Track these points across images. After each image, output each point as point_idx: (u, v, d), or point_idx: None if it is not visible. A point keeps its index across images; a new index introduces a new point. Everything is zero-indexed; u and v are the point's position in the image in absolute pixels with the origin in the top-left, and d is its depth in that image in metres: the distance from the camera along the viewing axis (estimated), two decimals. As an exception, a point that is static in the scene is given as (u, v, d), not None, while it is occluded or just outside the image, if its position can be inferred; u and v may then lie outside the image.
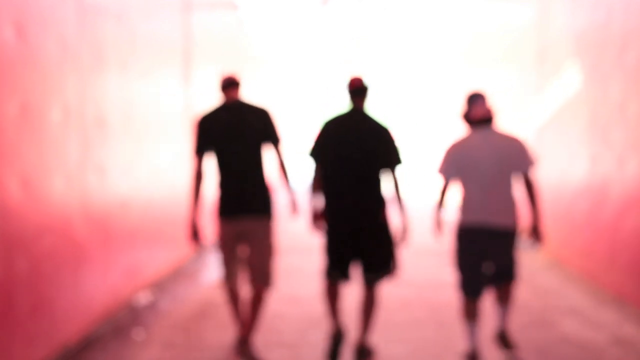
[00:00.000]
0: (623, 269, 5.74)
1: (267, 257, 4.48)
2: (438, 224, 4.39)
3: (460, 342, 4.76)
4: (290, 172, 4.56)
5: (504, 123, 10.80)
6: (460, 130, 4.22)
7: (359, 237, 4.21)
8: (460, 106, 4.37)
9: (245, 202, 4.39)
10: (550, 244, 8.10)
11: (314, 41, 16.71)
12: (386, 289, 6.51)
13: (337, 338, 4.31)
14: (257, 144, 4.38)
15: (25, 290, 3.94)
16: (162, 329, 5.24)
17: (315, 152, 4.28)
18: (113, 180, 5.46)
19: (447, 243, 9.61)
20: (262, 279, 4.48)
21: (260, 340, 4.89)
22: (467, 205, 4.22)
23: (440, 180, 4.35)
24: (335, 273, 4.29)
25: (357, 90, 4.27)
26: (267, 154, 4.48)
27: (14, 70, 3.89)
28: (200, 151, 4.39)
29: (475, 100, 4.23)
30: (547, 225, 8.24)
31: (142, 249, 6.25)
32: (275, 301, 6.12)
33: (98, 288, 5.11)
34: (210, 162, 4.49)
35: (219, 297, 6.34)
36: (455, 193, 4.42)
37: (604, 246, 6.20)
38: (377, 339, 4.88)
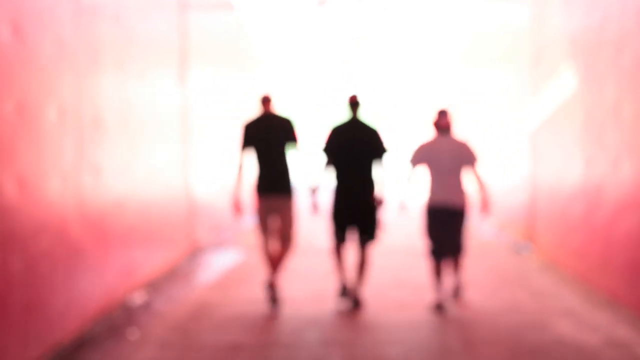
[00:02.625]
0: (617, 271, 5.76)
1: (290, 224, 5.95)
2: (403, 204, 6.02)
3: (455, 343, 4.78)
4: (304, 169, 6.24)
5: (501, 123, 10.83)
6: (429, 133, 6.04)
7: (355, 209, 5.76)
8: (432, 116, 5.89)
9: (274, 185, 5.89)
10: (545, 245, 8.11)
11: (311, 42, 16.71)
12: (383, 291, 6.52)
13: (343, 289, 5.80)
14: (282, 144, 5.92)
15: (20, 289, 3.94)
16: (156, 329, 5.24)
17: (327, 150, 5.82)
18: (109, 180, 5.46)
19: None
20: (286, 240, 5.95)
21: (256, 340, 4.90)
22: (431, 190, 5.76)
23: (409, 168, 5.85)
24: (338, 235, 5.84)
25: (354, 103, 5.83)
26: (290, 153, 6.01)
27: (10, 70, 3.89)
28: (243, 148, 5.97)
29: (442, 114, 5.82)
30: (542, 227, 8.26)
31: (137, 249, 6.24)
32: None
33: (93, 288, 5.10)
34: (250, 156, 6.01)
35: (214, 297, 6.34)
36: (422, 183, 5.88)
37: (599, 248, 6.21)
38: (374, 340, 4.89)
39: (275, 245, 5.99)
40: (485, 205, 5.94)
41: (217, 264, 8.26)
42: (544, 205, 8.17)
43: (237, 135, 6.14)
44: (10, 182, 3.84)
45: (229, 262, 8.39)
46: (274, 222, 5.97)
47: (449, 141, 5.78)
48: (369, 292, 6.50)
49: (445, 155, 5.73)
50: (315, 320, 5.43)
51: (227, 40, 11.89)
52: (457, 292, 5.96)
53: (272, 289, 5.82)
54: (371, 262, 6.11)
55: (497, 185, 11.16)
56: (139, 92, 6.38)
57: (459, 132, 14.10)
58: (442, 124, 5.79)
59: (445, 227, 5.75)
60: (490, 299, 6.14)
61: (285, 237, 5.94)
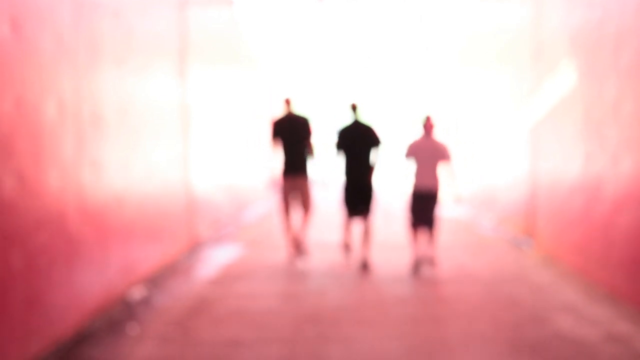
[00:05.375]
0: (617, 266, 5.77)
1: (308, 197, 7.88)
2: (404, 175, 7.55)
3: (455, 338, 4.79)
4: (316, 156, 7.87)
5: (501, 119, 10.82)
6: (416, 132, 7.18)
7: (359, 189, 7.54)
8: (421, 119, 7.46)
9: (296, 168, 7.76)
10: (545, 240, 8.12)
11: (310, 38, 16.70)
12: (382, 285, 6.53)
13: (347, 248, 7.82)
14: (302, 137, 7.74)
15: (19, 285, 3.94)
16: (156, 324, 5.25)
17: (338, 145, 7.55)
18: (108, 176, 5.46)
19: (442, 241, 9.64)
20: (307, 208, 7.89)
21: (256, 335, 4.91)
22: (415, 178, 7.31)
23: (404, 160, 7.42)
24: (349, 208, 7.61)
25: (354, 108, 7.55)
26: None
27: (10, 66, 3.89)
28: (274, 138, 7.81)
29: (427, 119, 7.39)
30: (542, 222, 8.27)
31: (136, 244, 6.25)
32: (271, 297, 6.14)
33: (93, 283, 5.11)
34: (278, 146, 7.86)
35: (214, 292, 6.35)
36: (410, 173, 7.41)
37: (598, 243, 6.22)
38: (373, 335, 4.90)
39: (292, 219, 7.90)
40: (456, 193, 7.42)
41: (217, 259, 8.26)
42: (544, 200, 8.18)
43: (267, 129, 8.35)
44: (9, 178, 3.84)
45: (229, 257, 8.39)
46: (295, 196, 7.83)
47: (430, 141, 7.34)
48: (368, 289, 6.51)
49: (427, 152, 7.29)
50: (315, 316, 5.43)
51: (226, 37, 11.87)
52: (432, 261, 7.38)
53: (296, 249, 7.83)
54: (372, 230, 7.79)
55: (497, 181, 11.16)
56: (139, 88, 6.37)
57: (457, 130, 14.13)
58: (427, 126, 7.39)
59: (423, 206, 7.32)
60: (490, 294, 6.15)
61: (305, 205, 7.86)
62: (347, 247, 7.79)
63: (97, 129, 5.22)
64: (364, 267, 7.42)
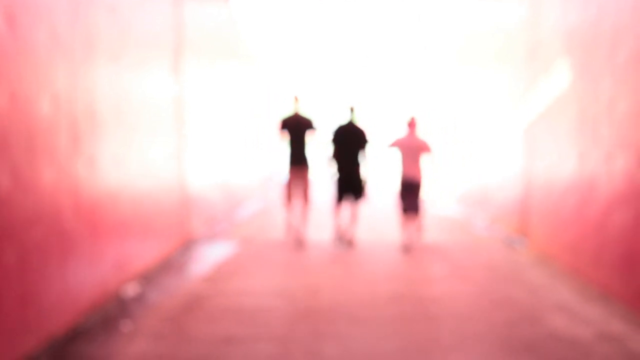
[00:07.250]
0: (610, 265, 5.78)
1: (307, 188, 9.07)
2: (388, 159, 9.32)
3: (448, 337, 4.80)
4: (316, 152, 9.15)
5: (496, 118, 10.84)
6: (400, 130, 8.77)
7: (350, 180, 8.82)
8: (406, 119, 8.66)
9: (299, 159, 8.92)
10: (538, 240, 8.14)
11: (308, 36, 16.68)
12: (376, 284, 6.53)
13: (338, 233, 9.00)
14: (305, 134, 8.91)
15: (13, 281, 3.93)
16: (150, 320, 5.24)
17: (333, 141, 8.80)
18: (103, 172, 5.45)
19: (436, 239, 9.65)
20: (306, 199, 9.09)
21: (250, 333, 4.91)
22: (402, 170, 8.57)
23: (388, 150, 8.67)
24: (338, 196, 8.88)
25: (352, 110, 8.78)
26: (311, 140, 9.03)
27: (4, 61, 3.87)
28: (282, 132, 8.96)
29: (411, 118, 8.59)
30: (535, 221, 8.28)
31: (130, 240, 6.24)
32: (263, 295, 6.13)
33: (86, 279, 5.10)
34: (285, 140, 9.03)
35: (207, 289, 6.34)
36: (397, 166, 8.61)
37: (592, 242, 6.23)
38: (368, 334, 4.90)
39: (295, 203, 9.06)
40: (426, 182, 8.69)
41: (211, 256, 8.25)
42: (538, 199, 8.19)
43: (276, 125, 9.11)
44: (3, 174, 3.82)
45: (223, 254, 8.39)
46: (297, 184, 9.01)
47: (414, 138, 8.55)
48: (362, 287, 6.51)
49: (411, 147, 8.50)
50: (309, 313, 5.43)
51: (223, 33, 11.85)
52: (418, 238, 8.93)
53: (299, 241, 8.92)
54: (359, 215, 9.33)
55: (491, 180, 11.17)
56: (134, 84, 6.36)
57: (454, 129, 14.15)
58: (410, 124, 8.58)
59: (409, 194, 8.56)
60: (484, 293, 6.16)
61: (305, 194, 9.03)
62: (339, 238, 8.94)
63: (92, 125, 5.21)
64: (349, 244, 8.84)
